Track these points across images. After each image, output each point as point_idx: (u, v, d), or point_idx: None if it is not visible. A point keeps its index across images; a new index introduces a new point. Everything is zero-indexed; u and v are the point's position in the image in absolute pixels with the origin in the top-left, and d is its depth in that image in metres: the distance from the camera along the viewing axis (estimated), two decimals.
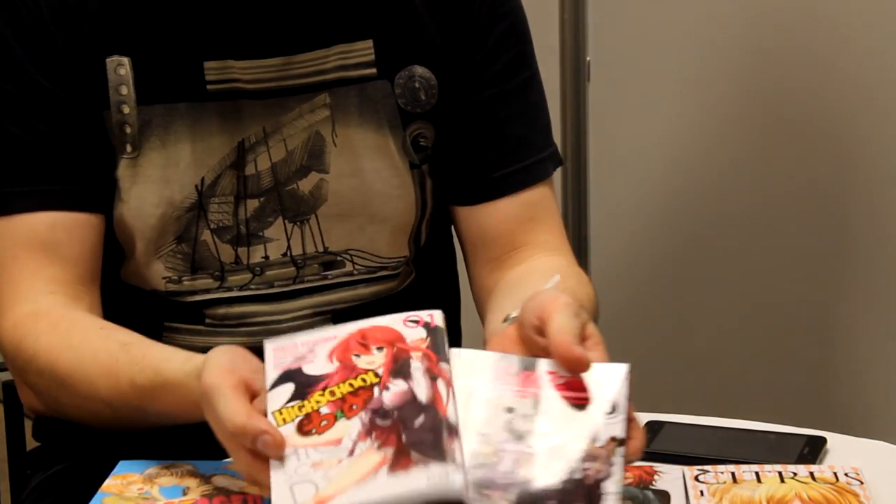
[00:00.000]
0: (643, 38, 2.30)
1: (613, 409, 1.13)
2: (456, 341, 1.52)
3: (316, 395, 1.13)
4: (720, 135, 2.25)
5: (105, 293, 1.45)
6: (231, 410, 1.11)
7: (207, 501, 1.19)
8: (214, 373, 1.15)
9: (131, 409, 1.30)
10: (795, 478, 1.23)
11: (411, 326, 1.17)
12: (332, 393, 1.12)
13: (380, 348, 1.15)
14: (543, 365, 1.17)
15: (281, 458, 1.09)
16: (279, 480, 1.08)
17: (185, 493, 1.21)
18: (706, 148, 2.28)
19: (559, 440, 1.11)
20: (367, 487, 1.05)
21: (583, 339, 1.18)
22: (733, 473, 1.24)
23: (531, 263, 1.50)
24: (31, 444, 1.60)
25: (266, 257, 1.46)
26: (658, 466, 1.27)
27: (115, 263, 1.46)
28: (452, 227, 1.58)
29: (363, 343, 1.16)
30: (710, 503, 1.18)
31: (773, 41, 2.15)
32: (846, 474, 1.25)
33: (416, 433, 1.08)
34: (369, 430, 1.09)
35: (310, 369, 1.15)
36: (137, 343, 1.32)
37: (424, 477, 1.04)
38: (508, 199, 1.50)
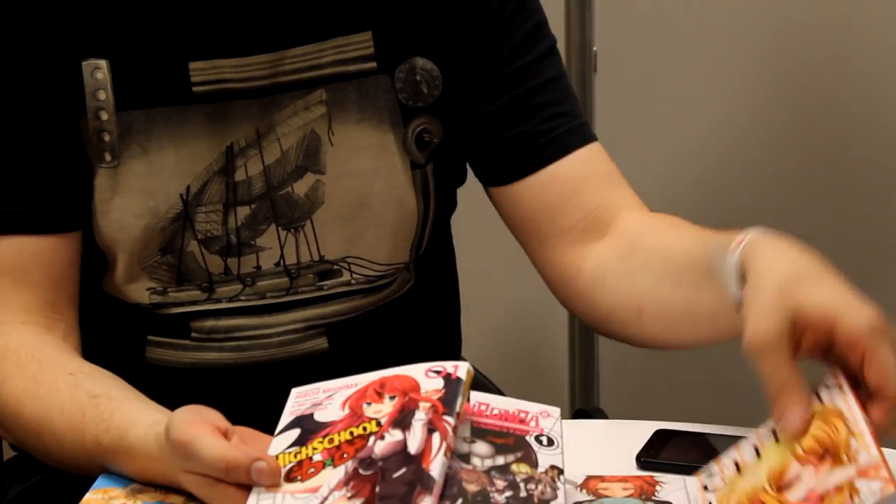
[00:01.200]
0: (650, 28, 2.31)
1: (550, 443, 1.17)
2: (456, 347, 1.65)
3: (315, 442, 1.15)
4: (728, 128, 2.27)
5: (84, 306, 1.45)
6: (218, 449, 1.11)
7: None
8: (183, 429, 1.15)
9: (95, 465, 1.29)
10: None
11: (431, 377, 1.19)
12: (331, 440, 1.15)
13: (392, 397, 1.17)
14: (476, 395, 1.21)
15: (259, 497, 1.11)
16: None
17: None
18: (713, 141, 2.29)
19: (500, 462, 1.15)
20: None
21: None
22: (736, 463, 1.19)
23: (643, 225, 1.47)
24: (8, 453, 1.61)
25: (258, 267, 1.45)
26: (660, 477, 1.26)
27: (96, 275, 1.45)
28: (498, 213, 1.54)
29: (379, 392, 1.18)
30: None
31: (786, 34, 2.18)
32: (826, 385, 1.15)
33: (392, 485, 1.10)
34: (349, 479, 1.11)
35: (320, 416, 1.18)
36: (106, 397, 1.31)
37: None
38: (568, 160, 1.48)
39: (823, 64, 2.16)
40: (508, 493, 1.11)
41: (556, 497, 1.11)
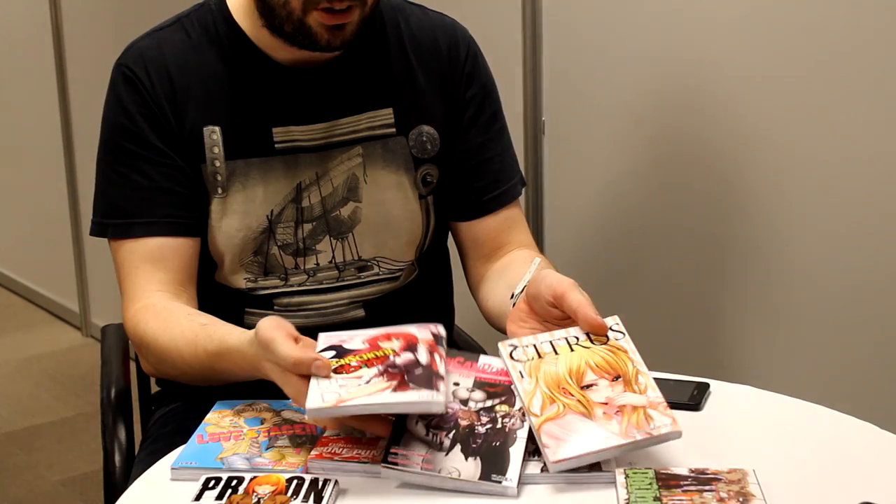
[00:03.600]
0: (585, 103, 2.37)
1: None
2: (450, 317, 1.82)
3: (349, 357, 1.29)
4: (639, 174, 2.31)
5: (202, 291, 1.63)
6: (289, 349, 1.27)
7: (278, 429, 1.34)
8: (266, 330, 1.29)
9: (206, 368, 1.43)
10: (579, 343, 1.31)
11: (422, 331, 1.33)
12: (362, 357, 1.29)
13: (398, 339, 1.32)
14: (482, 359, 1.34)
15: (319, 381, 1.26)
16: (314, 389, 1.24)
17: (262, 423, 1.35)
18: (629, 183, 2.33)
19: (489, 404, 1.29)
20: (375, 397, 1.21)
21: None
22: (535, 346, 1.32)
23: (511, 256, 1.68)
24: (154, 388, 1.83)
25: (317, 264, 1.62)
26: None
27: (210, 270, 1.64)
28: (451, 237, 1.73)
29: (388, 337, 1.33)
30: (531, 384, 1.27)
31: (677, 105, 2.21)
32: (611, 328, 1.32)
33: (415, 376, 1.24)
34: (383, 372, 1.25)
35: (348, 346, 1.32)
36: (212, 323, 1.47)
37: (416, 395, 1.20)
38: (494, 214, 1.70)
39: (709, 132, 2.15)
40: (489, 426, 1.25)
41: (522, 427, 1.26)
